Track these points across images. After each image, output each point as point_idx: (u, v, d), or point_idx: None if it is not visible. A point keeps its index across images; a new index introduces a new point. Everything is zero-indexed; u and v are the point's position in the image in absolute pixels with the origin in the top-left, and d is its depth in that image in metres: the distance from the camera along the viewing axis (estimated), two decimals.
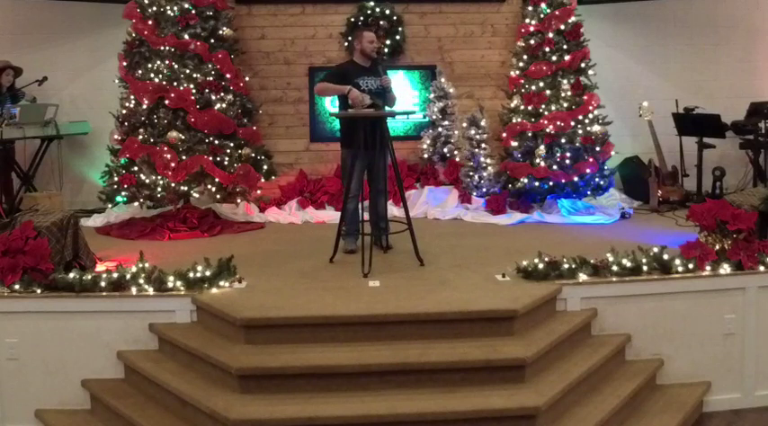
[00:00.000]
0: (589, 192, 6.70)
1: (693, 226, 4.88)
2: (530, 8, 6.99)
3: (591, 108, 6.62)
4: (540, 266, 4.26)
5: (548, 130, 6.57)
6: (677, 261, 4.24)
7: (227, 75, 6.52)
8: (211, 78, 6.38)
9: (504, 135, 6.89)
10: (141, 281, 4.11)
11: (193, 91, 6.27)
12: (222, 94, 6.44)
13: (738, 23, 8.05)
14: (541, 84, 6.76)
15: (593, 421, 3.55)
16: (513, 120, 6.84)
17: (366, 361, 3.58)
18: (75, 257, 4.53)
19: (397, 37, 7.40)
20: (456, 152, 7.25)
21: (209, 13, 6.53)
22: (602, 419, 3.57)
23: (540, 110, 6.70)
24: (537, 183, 6.60)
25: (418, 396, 3.49)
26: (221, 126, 6.35)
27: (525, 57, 6.94)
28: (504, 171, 6.82)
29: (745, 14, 8.05)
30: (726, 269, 4.23)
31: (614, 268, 4.23)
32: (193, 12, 6.40)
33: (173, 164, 6.13)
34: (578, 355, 3.90)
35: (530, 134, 6.70)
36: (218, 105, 6.38)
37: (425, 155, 7.38)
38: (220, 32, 6.58)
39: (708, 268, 4.23)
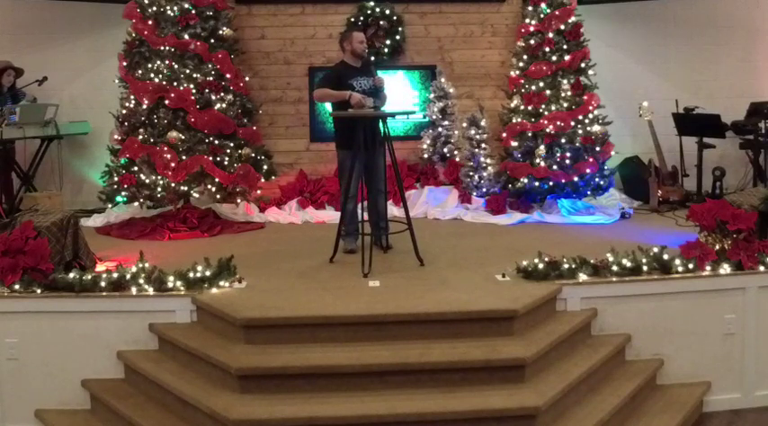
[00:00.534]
0: (589, 192, 6.70)
1: (693, 226, 4.89)
2: (530, 8, 6.99)
3: (591, 108, 6.62)
4: (540, 266, 4.26)
5: (548, 130, 6.57)
6: (677, 261, 4.24)
7: (227, 75, 6.52)
8: (211, 78, 6.38)
9: (504, 135, 6.89)
10: (141, 281, 4.11)
11: (193, 91, 6.27)
12: (222, 94, 6.44)
13: (738, 23, 8.05)
14: (541, 84, 6.76)
15: (593, 421, 3.55)
16: (513, 120, 6.84)
17: (366, 361, 3.58)
18: (75, 257, 4.53)
19: (397, 37, 7.40)
20: (456, 152, 7.25)
21: (210, 13, 6.53)
22: (602, 419, 3.57)
23: (540, 111, 6.69)
24: (537, 183, 6.60)
25: (418, 396, 3.49)
26: (221, 126, 6.35)
27: (525, 57, 6.94)
28: (504, 171, 6.82)
29: (745, 14, 8.05)
30: (726, 269, 4.23)
31: (614, 268, 4.23)
32: (193, 12, 6.40)
33: (173, 164, 6.13)
34: (578, 355, 3.90)
35: (530, 134, 6.70)
36: (218, 105, 6.38)
37: (425, 155, 7.38)
38: (220, 32, 6.58)
39: (708, 268, 4.23)
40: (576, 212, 6.64)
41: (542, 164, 6.56)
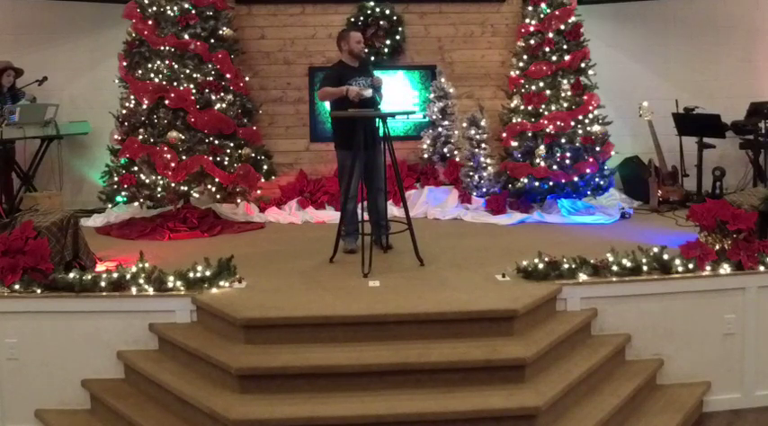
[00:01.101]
0: (589, 192, 6.70)
1: (693, 226, 4.89)
2: (530, 8, 6.99)
3: (591, 108, 6.62)
4: (540, 266, 4.26)
5: (548, 130, 6.57)
6: (677, 261, 4.24)
7: (227, 75, 6.52)
8: (211, 78, 6.38)
9: (504, 135, 6.89)
10: (141, 281, 4.10)
11: (193, 91, 6.27)
12: (222, 94, 6.44)
13: (738, 23, 8.05)
14: (541, 84, 6.76)
15: (593, 421, 3.55)
16: (513, 120, 6.84)
17: (366, 361, 3.58)
18: (75, 257, 4.53)
19: (397, 37, 7.40)
20: (456, 152, 7.25)
21: (210, 13, 6.53)
22: (601, 419, 3.57)
23: (540, 111, 6.69)
24: (537, 183, 6.60)
25: (418, 396, 3.49)
26: (221, 126, 6.36)
27: (525, 57, 6.94)
28: (504, 171, 6.82)
29: (745, 14, 8.05)
30: (726, 269, 4.23)
31: (614, 268, 4.23)
32: (193, 12, 6.40)
33: (173, 164, 6.13)
34: (578, 355, 3.90)
35: (530, 134, 6.70)
36: (218, 105, 6.38)
37: (425, 155, 7.38)
38: (220, 32, 6.58)
39: (708, 268, 4.23)
40: (576, 212, 6.64)
41: (542, 164, 6.56)
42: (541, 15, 6.86)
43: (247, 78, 6.95)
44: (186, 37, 6.36)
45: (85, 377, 4.03)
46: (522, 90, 6.88)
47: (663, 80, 8.08)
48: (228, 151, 6.41)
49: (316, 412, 3.38)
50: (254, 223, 6.61)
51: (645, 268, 4.24)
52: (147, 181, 6.19)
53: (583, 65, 6.77)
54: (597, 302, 4.16)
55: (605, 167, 6.70)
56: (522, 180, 6.65)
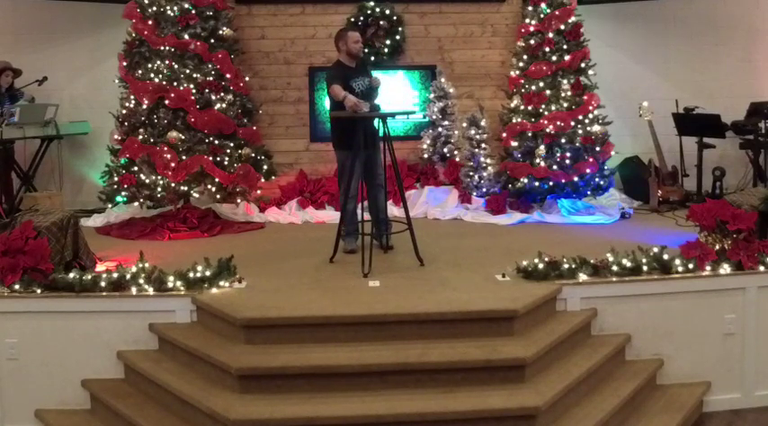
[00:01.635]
0: (589, 192, 6.70)
1: (693, 226, 4.89)
2: (530, 8, 6.99)
3: (591, 108, 6.62)
4: (540, 266, 4.26)
5: (548, 130, 6.57)
6: (677, 261, 4.24)
7: (227, 75, 6.52)
8: (211, 78, 6.38)
9: (504, 135, 6.89)
10: (141, 281, 4.11)
11: (193, 91, 6.28)
12: (222, 94, 6.44)
13: (738, 23, 8.05)
14: (541, 84, 6.76)
15: (593, 421, 3.55)
16: (513, 120, 6.84)
17: (366, 361, 3.58)
18: (75, 257, 4.53)
19: (397, 37, 7.40)
20: (456, 152, 7.25)
21: (210, 13, 6.53)
22: (602, 419, 3.57)
23: (540, 111, 6.69)
24: (537, 183, 6.60)
25: (418, 396, 3.49)
26: (221, 126, 6.36)
27: (525, 57, 6.94)
28: (504, 171, 6.82)
29: (745, 14, 8.05)
30: (726, 269, 4.23)
31: (614, 268, 4.23)
32: (193, 12, 6.41)
33: (173, 164, 6.13)
34: (578, 355, 3.90)
35: (530, 134, 6.70)
36: (218, 105, 6.38)
37: (425, 155, 7.38)
38: (220, 32, 6.58)
39: (708, 268, 4.23)
40: (576, 212, 6.64)
41: (542, 164, 6.56)
42: (541, 15, 6.86)
43: (247, 78, 6.95)
44: (186, 37, 6.36)
45: (85, 377, 4.03)
46: (522, 90, 6.88)
47: (663, 80, 8.08)
48: (228, 151, 6.41)
49: (316, 412, 3.38)
50: (254, 223, 6.61)
51: (645, 268, 4.24)
52: (147, 181, 6.19)
53: (583, 65, 6.77)
54: (597, 302, 4.16)
55: (605, 167, 6.70)
56: (522, 180, 6.65)
